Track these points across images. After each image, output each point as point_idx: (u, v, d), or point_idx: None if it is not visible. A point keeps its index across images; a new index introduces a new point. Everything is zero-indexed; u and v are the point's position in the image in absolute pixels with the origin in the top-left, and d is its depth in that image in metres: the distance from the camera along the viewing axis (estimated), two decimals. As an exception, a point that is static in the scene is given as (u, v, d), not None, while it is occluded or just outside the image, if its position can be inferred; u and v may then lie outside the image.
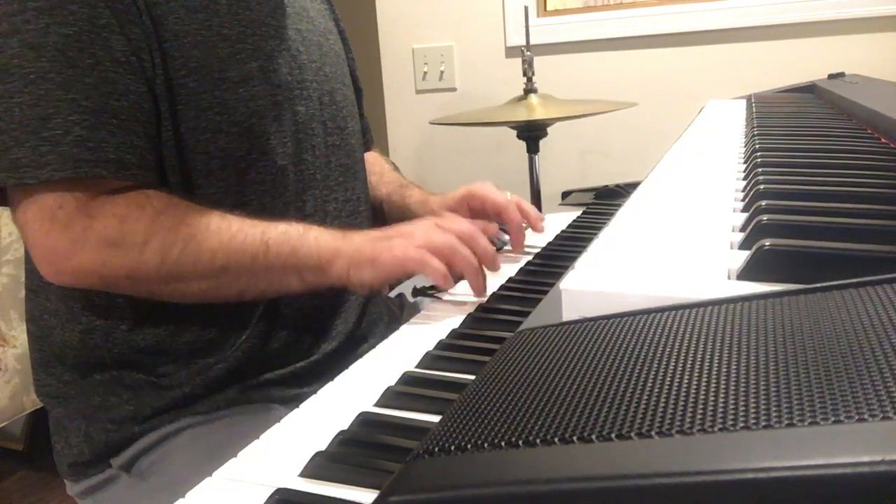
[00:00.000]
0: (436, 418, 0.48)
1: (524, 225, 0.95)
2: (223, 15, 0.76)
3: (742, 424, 0.22)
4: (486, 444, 0.25)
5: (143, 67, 0.70)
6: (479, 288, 0.74)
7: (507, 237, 1.04)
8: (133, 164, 0.69)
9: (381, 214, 1.05)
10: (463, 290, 0.76)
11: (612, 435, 0.23)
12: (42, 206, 0.68)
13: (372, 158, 1.08)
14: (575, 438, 0.24)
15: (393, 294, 1.07)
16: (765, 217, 0.49)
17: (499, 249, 0.95)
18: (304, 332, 0.81)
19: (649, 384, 0.27)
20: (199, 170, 0.74)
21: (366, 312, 0.90)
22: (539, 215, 0.96)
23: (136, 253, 0.69)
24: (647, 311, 0.36)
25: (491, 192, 0.94)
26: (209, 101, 0.74)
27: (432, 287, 0.83)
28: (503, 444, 0.25)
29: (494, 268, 0.78)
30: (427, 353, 0.60)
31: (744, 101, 1.35)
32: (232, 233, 0.72)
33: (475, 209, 0.96)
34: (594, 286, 0.42)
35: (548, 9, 2.11)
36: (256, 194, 0.78)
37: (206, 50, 0.74)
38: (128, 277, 0.71)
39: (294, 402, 0.57)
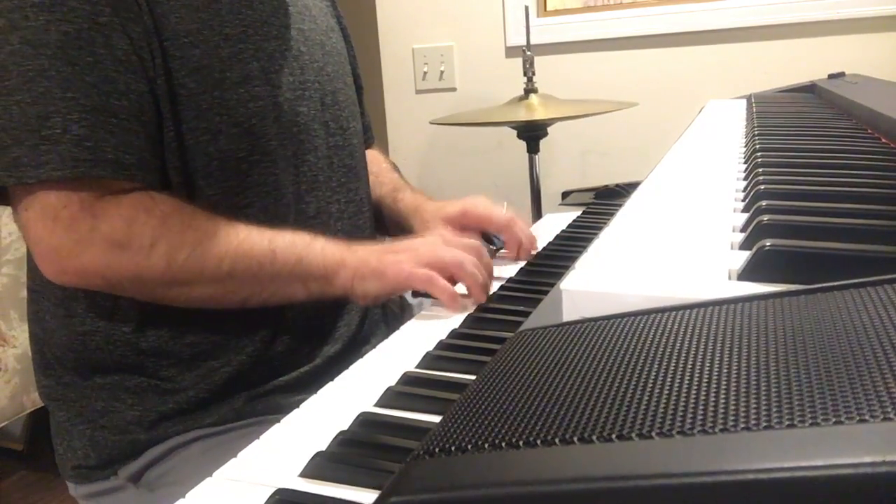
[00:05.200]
0: (436, 418, 0.48)
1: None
2: (225, 14, 0.75)
3: (743, 425, 0.22)
4: (486, 445, 0.25)
5: (144, 67, 0.70)
6: (480, 301, 0.74)
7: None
8: (132, 165, 0.69)
9: (379, 215, 1.04)
10: (463, 291, 0.76)
11: (613, 436, 0.23)
12: (45, 205, 0.67)
13: (371, 157, 1.07)
14: (575, 439, 0.24)
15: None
16: (765, 217, 0.49)
17: (498, 249, 0.95)
18: (308, 335, 0.81)
19: (650, 385, 0.27)
20: (199, 171, 0.74)
21: (367, 315, 0.90)
22: (532, 242, 0.94)
23: (142, 256, 0.69)
24: (648, 312, 0.36)
25: (490, 211, 0.93)
26: (209, 101, 0.73)
27: None
28: (504, 444, 0.25)
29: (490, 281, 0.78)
30: (427, 353, 0.60)
31: (744, 101, 1.35)
32: (239, 239, 0.72)
33: (470, 226, 0.93)
34: (595, 286, 0.42)
35: (548, 9, 2.11)
36: (258, 196, 0.77)
37: (207, 50, 0.73)
38: (133, 280, 0.70)
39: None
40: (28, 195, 0.68)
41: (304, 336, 0.81)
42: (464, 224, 0.94)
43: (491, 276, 0.77)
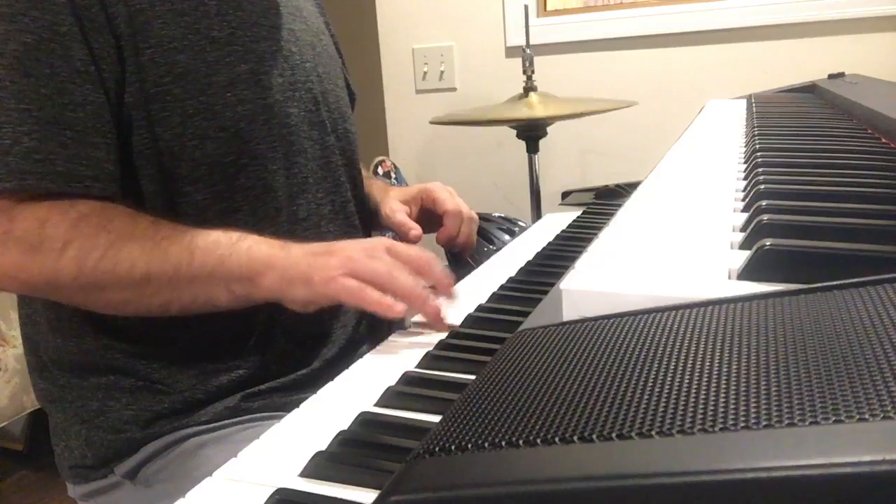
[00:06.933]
0: (436, 418, 0.48)
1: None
2: (212, 17, 0.74)
3: (743, 424, 0.22)
4: (486, 444, 0.25)
5: (102, 78, 0.69)
6: (433, 320, 0.66)
7: (507, 237, 1.04)
8: (87, 176, 0.68)
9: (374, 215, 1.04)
10: (463, 291, 0.75)
11: (613, 435, 0.23)
12: None
13: None
14: (576, 438, 0.24)
15: None
16: (765, 217, 0.49)
17: (498, 250, 0.95)
18: (303, 337, 0.81)
19: (650, 384, 0.27)
20: (185, 177, 0.73)
21: (364, 316, 0.89)
22: (467, 243, 0.96)
23: (52, 259, 0.66)
24: (648, 311, 0.36)
25: (442, 195, 0.95)
26: (195, 106, 0.72)
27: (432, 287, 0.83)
28: (504, 443, 0.25)
29: (448, 297, 0.69)
30: (427, 353, 0.60)
31: (744, 101, 1.35)
32: (156, 241, 0.69)
33: (426, 208, 0.97)
34: (594, 286, 0.42)
35: (548, 9, 2.11)
36: (247, 200, 0.76)
37: (193, 54, 0.72)
38: (46, 283, 0.68)
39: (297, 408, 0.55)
40: None
41: (300, 338, 0.80)
42: (423, 204, 0.97)
43: (445, 289, 0.69)
